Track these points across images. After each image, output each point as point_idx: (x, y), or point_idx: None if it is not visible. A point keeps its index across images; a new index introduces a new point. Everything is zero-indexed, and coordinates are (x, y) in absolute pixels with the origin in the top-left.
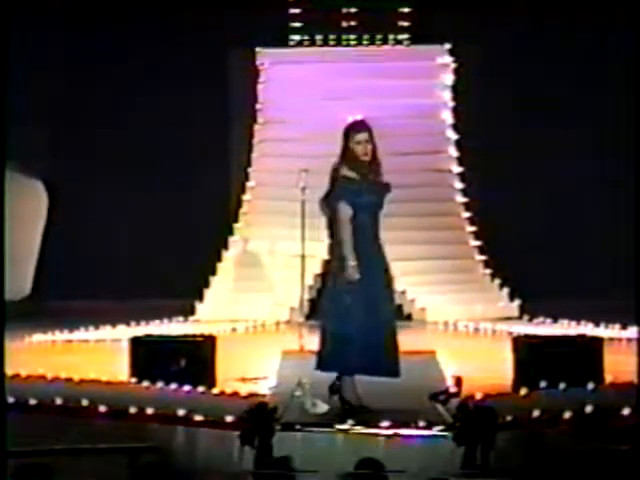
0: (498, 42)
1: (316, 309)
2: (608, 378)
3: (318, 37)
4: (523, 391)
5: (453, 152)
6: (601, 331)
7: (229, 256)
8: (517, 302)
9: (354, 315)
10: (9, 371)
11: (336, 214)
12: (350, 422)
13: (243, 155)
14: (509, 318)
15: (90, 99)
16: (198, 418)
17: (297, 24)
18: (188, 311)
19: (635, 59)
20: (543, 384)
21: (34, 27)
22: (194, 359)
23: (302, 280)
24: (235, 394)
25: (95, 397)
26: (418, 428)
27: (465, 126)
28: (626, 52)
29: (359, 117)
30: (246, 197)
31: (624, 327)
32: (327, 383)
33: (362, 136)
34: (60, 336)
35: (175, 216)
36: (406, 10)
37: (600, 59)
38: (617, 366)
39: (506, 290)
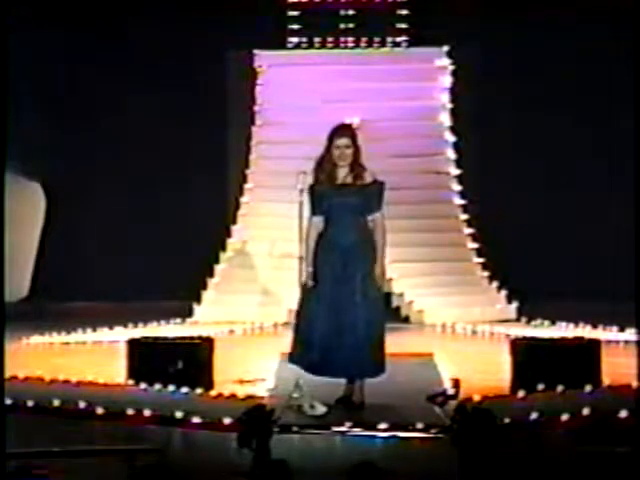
0: (496, 44)
1: None
2: (606, 381)
3: (316, 39)
4: (521, 393)
5: (451, 154)
6: (599, 333)
7: (227, 258)
8: (515, 304)
9: (317, 317)
10: (7, 373)
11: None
12: (348, 424)
13: (241, 157)
14: (507, 320)
15: (89, 100)
16: (196, 420)
17: (295, 26)
18: (186, 313)
19: (635, 59)
20: (541, 386)
21: (34, 26)
22: (192, 361)
23: (300, 282)
24: (233, 396)
25: (93, 399)
26: (416, 430)
27: (463, 128)
28: (627, 53)
29: (347, 121)
30: (244, 199)
31: (622, 329)
32: (325, 385)
33: (342, 142)
34: (58, 338)
35: (173, 218)
36: (404, 12)
37: (600, 60)
38: (615, 368)
39: (504, 292)
